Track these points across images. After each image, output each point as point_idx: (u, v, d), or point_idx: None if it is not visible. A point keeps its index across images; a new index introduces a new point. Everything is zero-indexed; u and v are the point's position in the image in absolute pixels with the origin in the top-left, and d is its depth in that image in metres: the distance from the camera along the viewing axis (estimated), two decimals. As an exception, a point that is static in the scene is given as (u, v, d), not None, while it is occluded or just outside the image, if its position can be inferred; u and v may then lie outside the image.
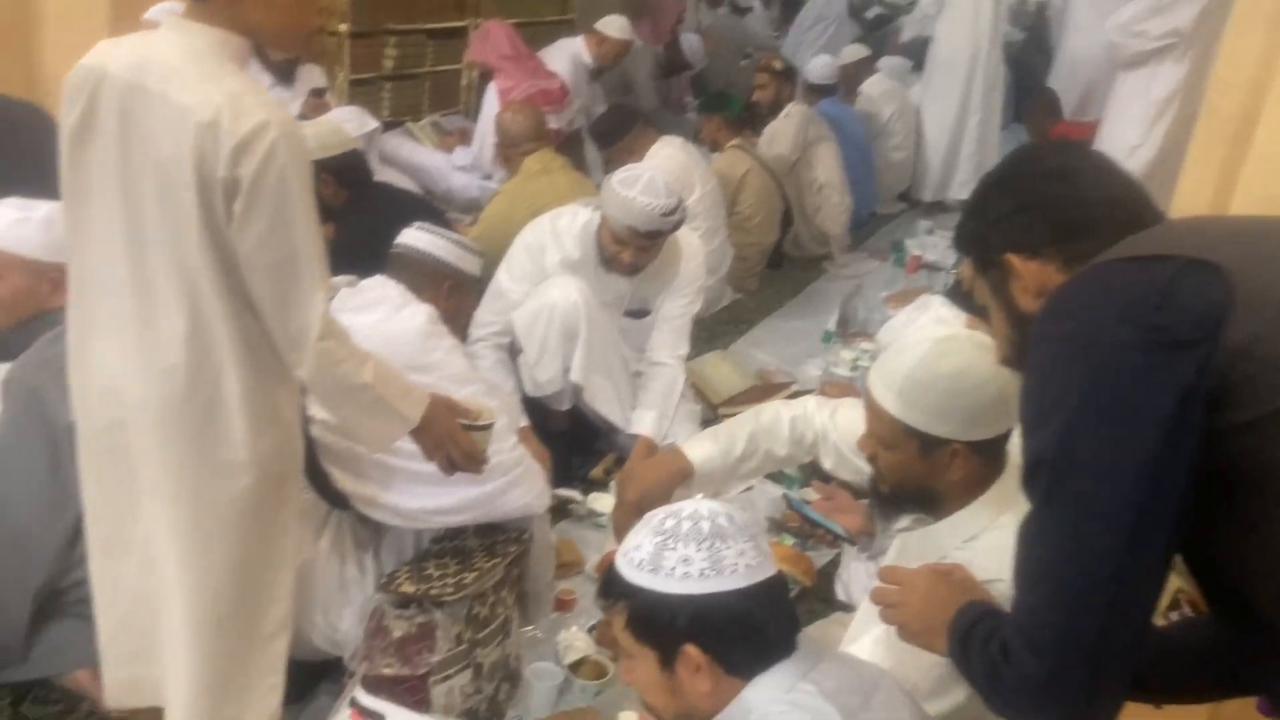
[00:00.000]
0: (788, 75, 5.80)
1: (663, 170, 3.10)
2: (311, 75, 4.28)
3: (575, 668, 2.30)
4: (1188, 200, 2.60)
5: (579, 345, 2.95)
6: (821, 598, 2.64)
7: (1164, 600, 1.58)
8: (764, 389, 3.61)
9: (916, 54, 6.95)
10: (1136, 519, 1.10)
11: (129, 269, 1.63)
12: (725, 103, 5.04)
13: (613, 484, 2.72)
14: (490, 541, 2.21)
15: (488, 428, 1.91)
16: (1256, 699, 1.38)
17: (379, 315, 2.20)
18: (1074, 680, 1.16)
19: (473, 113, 5.41)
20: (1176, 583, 1.58)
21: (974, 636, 1.33)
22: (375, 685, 2.00)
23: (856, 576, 2.53)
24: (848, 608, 2.47)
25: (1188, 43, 4.66)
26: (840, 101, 6.06)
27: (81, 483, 1.83)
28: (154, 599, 1.83)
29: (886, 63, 6.80)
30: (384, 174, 4.18)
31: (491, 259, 2.99)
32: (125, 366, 1.68)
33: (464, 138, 5.13)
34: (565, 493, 2.91)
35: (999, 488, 1.67)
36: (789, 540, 2.85)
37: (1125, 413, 1.10)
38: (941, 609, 1.44)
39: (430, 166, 4.86)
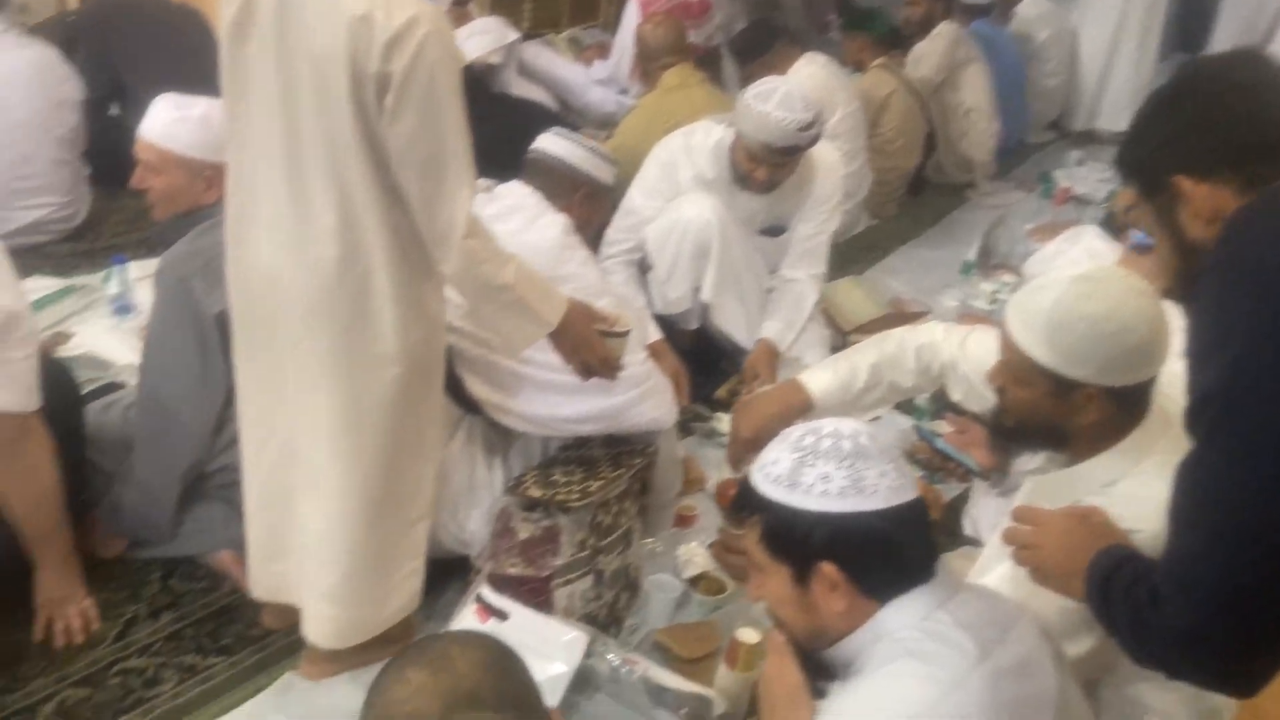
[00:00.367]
0: (940, -7, 5.54)
1: (800, 85, 3.01)
2: (456, -17, 4.29)
3: (694, 582, 2.32)
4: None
5: (710, 264, 2.92)
6: (948, 531, 2.58)
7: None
8: (897, 318, 3.51)
9: (1076, -26, 6.56)
10: None
11: (284, 162, 1.67)
12: (871, 21, 4.85)
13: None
14: (616, 452, 2.23)
15: (624, 335, 1.91)
16: None
17: (515, 224, 2.21)
18: (1228, 630, 1.10)
19: (612, 27, 5.35)
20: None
21: (1116, 582, 1.28)
22: (500, 584, 2.05)
23: (985, 512, 2.46)
24: (974, 543, 2.42)
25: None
26: (994, 23, 5.77)
27: (235, 372, 1.91)
28: (294, 491, 1.91)
29: (1045, -17, 6.44)
30: (522, 86, 4.18)
31: (626, 174, 2.97)
32: (280, 259, 1.73)
33: (602, 52, 5.08)
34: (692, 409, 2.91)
35: (1140, 434, 1.60)
36: (917, 473, 2.80)
37: None
38: (1079, 552, 1.39)
39: (568, 79, 4.83)
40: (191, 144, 2.20)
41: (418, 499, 1.98)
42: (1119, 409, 1.58)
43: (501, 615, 2.00)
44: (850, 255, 4.12)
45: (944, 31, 5.03)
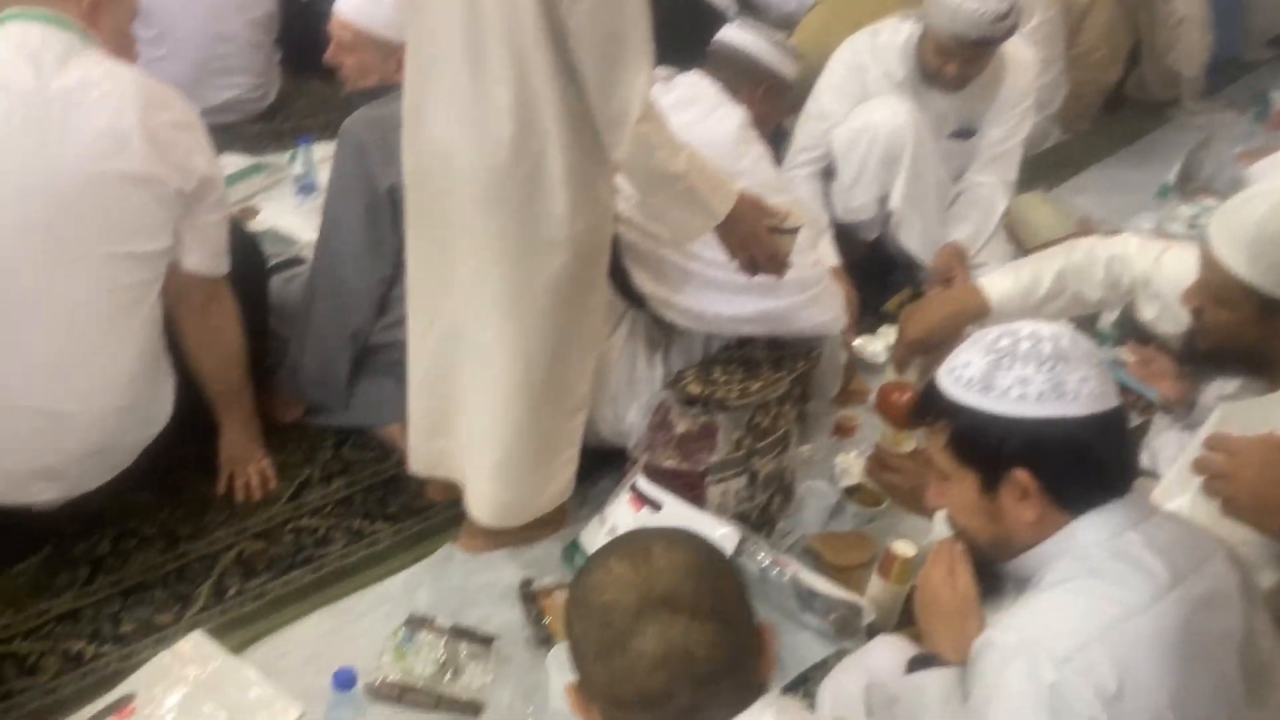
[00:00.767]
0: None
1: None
2: None
3: (850, 492, 2.28)
4: None
5: (902, 171, 2.80)
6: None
7: None
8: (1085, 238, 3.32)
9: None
10: None
11: (464, 39, 1.66)
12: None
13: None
14: (779, 355, 2.19)
15: (794, 231, 1.86)
16: None
17: (692, 115, 2.16)
18: None
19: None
20: None
21: None
22: (655, 475, 2.06)
23: (1166, 446, 2.33)
24: (1153, 475, 2.30)
25: None
26: (1217, -75, 5.29)
27: (406, 248, 1.94)
28: (458, 371, 1.95)
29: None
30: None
31: (806, 75, 2.87)
32: (456, 137, 1.74)
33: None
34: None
35: None
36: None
37: None
38: (1278, 485, 1.29)
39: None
40: (386, 23, 2.23)
41: (578, 388, 1.99)
42: None
43: (655, 505, 2.02)
44: (1039, 170, 3.89)
45: (1160, -67, 4.64)
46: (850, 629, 1.93)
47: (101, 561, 2.04)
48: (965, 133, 2.97)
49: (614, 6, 1.57)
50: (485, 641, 1.92)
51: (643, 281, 2.10)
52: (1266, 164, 3.05)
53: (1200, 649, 1.18)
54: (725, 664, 1.02)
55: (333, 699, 1.63)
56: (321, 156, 3.05)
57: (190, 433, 2.14)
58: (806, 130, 2.96)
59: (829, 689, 1.60)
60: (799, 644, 1.93)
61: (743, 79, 2.30)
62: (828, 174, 2.96)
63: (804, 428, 2.39)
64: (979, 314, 2.01)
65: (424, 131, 1.79)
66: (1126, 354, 2.61)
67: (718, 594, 1.05)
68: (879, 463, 2.07)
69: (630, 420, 2.19)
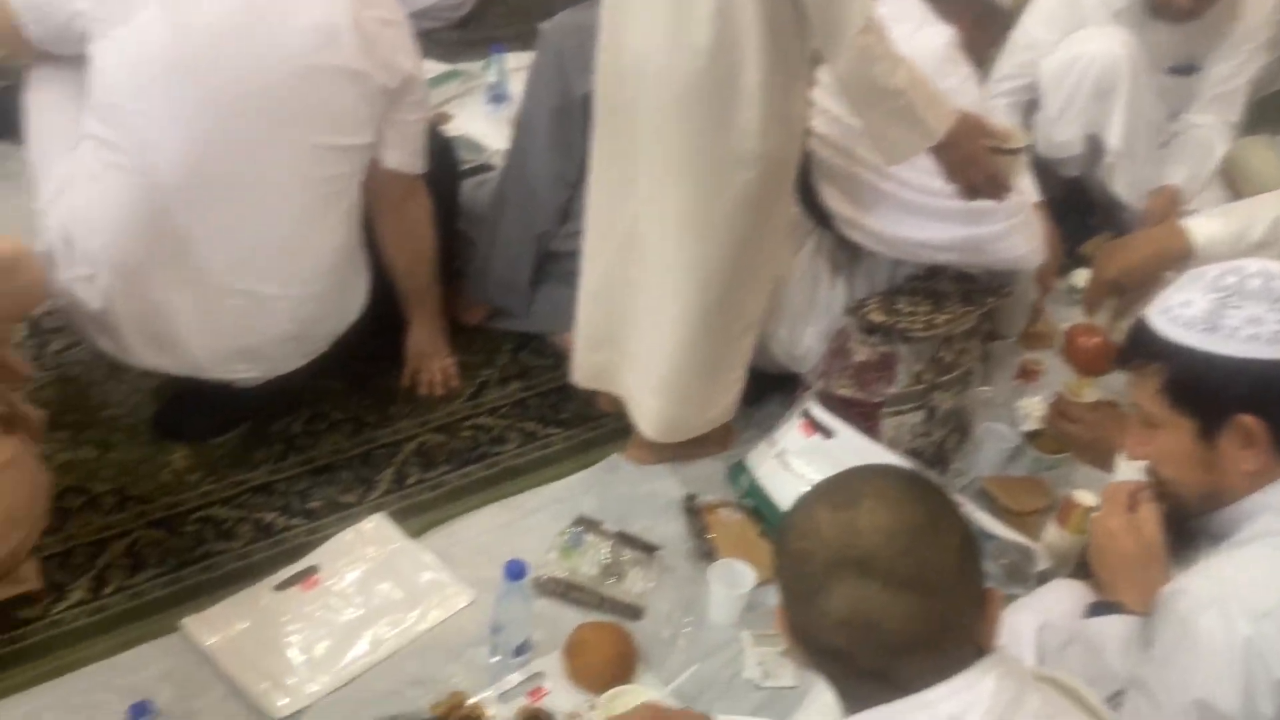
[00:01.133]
0: None
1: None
2: None
3: (1030, 437, 2.20)
4: None
5: (1117, 106, 2.62)
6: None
7: None
8: (1312, 191, 3.06)
9: None
10: None
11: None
12: None
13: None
14: (969, 289, 2.11)
15: (1016, 152, 1.77)
16: None
17: (898, 31, 2.07)
18: None
19: None
20: None
21: None
22: (829, 403, 2.03)
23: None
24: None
25: None
26: None
27: (590, 156, 1.94)
28: (631, 283, 1.95)
29: None
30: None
31: (1018, 6, 2.71)
32: (651, 44, 1.72)
33: None
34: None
35: None
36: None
37: None
38: None
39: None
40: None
41: (752, 307, 1.97)
42: None
43: (827, 432, 1.99)
44: (1266, 113, 3.60)
45: None
46: (1021, 575, 1.87)
47: (294, 440, 2.16)
48: (1186, 69, 2.75)
49: None
50: (648, 550, 1.95)
51: (832, 200, 2.04)
52: None
53: None
54: (920, 637, 0.94)
55: (503, 588, 1.68)
56: (514, 66, 3.08)
57: (381, 327, 2.23)
58: (1012, 60, 2.81)
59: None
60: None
61: (953, 2, 2.19)
62: (1030, 107, 2.80)
63: (987, 367, 2.31)
64: (1182, 257, 1.89)
65: (620, 37, 1.78)
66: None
67: (925, 563, 0.94)
68: (1059, 412, 1.99)
69: (806, 344, 2.15)
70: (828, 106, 1.93)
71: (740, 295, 1.91)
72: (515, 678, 1.71)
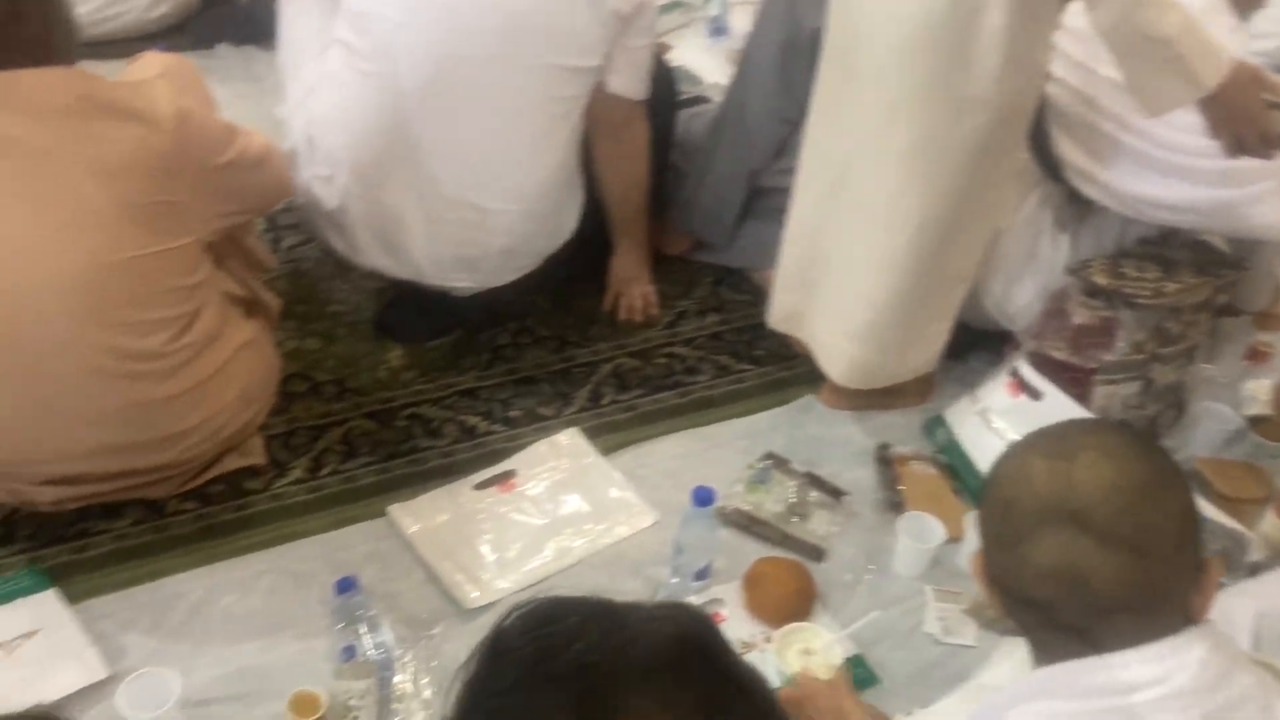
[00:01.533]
0: None
1: None
2: None
3: (1253, 422, 2.07)
4: None
5: None
6: None
7: None
8: None
9: None
10: None
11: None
12: None
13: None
14: (1204, 259, 1.98)
15: None
16: None
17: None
18: None
19: None
20: None
21: None
22: (1040, 363, 1.96)
23: None
24: None
25: None
26: None
27: (813, 91, 1.91)
28: (838, 224, 1.91)
29: None
30: None
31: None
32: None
33: None
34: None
35: None
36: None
37: None
38: None
39: None
40: None
41: (967, 258, 1.92)
42: None
43: (1035, 394, 1.92)
44: None
45: None
46: (1232, 563, 1.77)
47: (500, 351, 2.25)
48: None
49: None
50: (836, 494, 1.94)
51: (1066, 150, 1.95)
52: None
53: None
54: (1128, 599, 0.92)
55: (689, 513, 1.71)
56: (736, 1, 3.06)
57: (588, 250, 2.27)
58: (1273, 17, 2.59)
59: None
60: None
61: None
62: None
63: (1213, 343, 2.17)
64: None
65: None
66: None
67: (1144, 525, 0.92)
68: None
69: (1020, 301, 2.08)
70: (1070, 50, 1.83)
71: (957, 244, 1.86)
72: (694, 600, 1.74)
